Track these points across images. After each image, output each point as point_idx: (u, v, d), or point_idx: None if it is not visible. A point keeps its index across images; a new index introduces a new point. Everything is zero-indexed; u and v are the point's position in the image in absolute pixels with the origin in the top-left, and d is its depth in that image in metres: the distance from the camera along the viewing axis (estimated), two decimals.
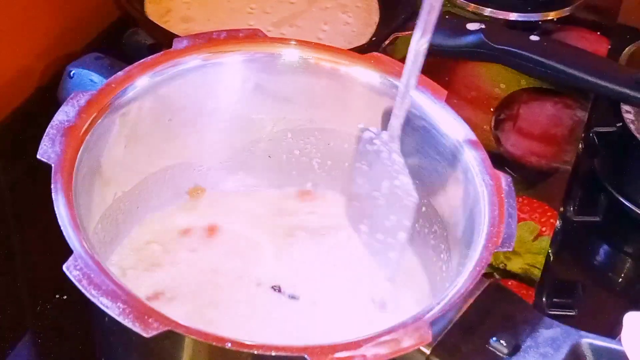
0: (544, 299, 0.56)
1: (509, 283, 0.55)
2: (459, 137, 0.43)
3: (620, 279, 0.61)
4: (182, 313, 0.41)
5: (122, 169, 0.43)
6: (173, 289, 0.43)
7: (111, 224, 0.44)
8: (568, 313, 0.56)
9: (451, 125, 0.43)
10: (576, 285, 0.58)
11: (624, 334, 0.32)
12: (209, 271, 0.44)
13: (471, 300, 0.37)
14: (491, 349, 0.35)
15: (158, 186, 0.46)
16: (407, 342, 0.33)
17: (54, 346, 0.47)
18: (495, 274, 0.56)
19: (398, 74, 0.44)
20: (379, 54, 0.45)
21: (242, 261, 0.45)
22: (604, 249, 0.62)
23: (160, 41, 0.60)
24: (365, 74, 0.45)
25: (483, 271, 0.36)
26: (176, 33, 0.61)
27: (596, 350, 0.35)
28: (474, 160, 0.41)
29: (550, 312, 0.56)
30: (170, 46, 0.44)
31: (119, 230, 0.45)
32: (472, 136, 0.42)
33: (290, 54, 0.44)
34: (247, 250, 0.46)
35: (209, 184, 0.48)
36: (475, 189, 0.40)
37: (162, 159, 0.46)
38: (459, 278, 0.36)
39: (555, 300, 0.56)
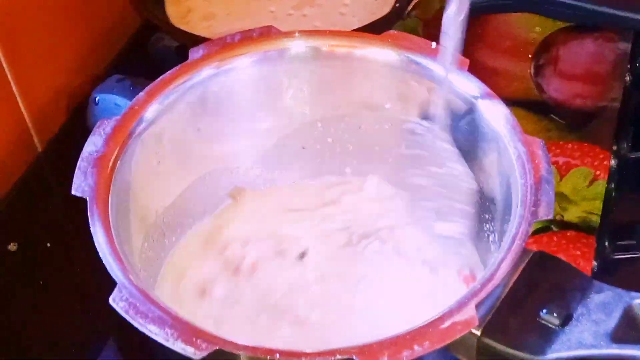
0: (606, 244, 0.55)
1: (568, 234, 0.55)
2: (487, 106, 0.42)
3: None
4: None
5: (158, 185, 0.44)
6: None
7: (158, 239, 0.45)
8: (634, 255, 0.54)
9: (478, 95, 0.42)
10: (639, 225, 0.57)
11: None
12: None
13: (517, 274, 0.36)
14: (542, 321, 0.35)
15: (197, 195, 0.47)
16: (455, 329, 0.33)
17: (135, 348, 0.49)
18: (552, 226, 0.55)
19: (416, 49, 0.44)
20: (395, 32, 0.45)
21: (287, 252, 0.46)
22: None
23: (185, 43, 0.60)
24: (383, 54, 0.44)
25: (524, 244, 0.36)
26: (199, 32, 0.61)
27: None
28: (504, 128, 0.41)
29: (615, 257, 0.54)
30: (196, 45, 0.44)
31: (166, 243, 0.46)
32: (501, 103, 0.41)
33: (301, 46, 0.44)
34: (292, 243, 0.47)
35: (247, 184, 0.49)
36: (509, 157, 0.39)
37: (197, 168, 0.46)
38: (501, 254, 0.35)
39: (619, 243, 0.55)
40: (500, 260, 0.35)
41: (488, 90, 0.42)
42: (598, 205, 0.55)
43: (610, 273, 0.54)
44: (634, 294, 0.35)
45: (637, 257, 0.54)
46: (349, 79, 0.46)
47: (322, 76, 0.45)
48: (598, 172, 0.57)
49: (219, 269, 0.44)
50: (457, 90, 0.43)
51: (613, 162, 0.58)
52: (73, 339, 0.49)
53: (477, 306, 0.34)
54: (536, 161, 0.38)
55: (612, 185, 0.57)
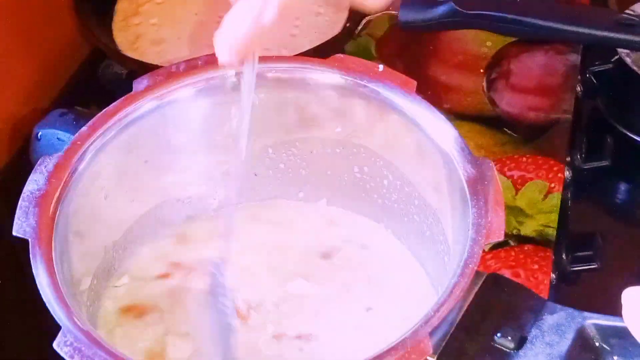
0: (564, 257, 0.55)
1: (525, 248, 0.55)
2: (436, 127, 0.41)
3: None
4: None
5: (106, 220, 0.43)
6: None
7: (109, 272, 0.44)
8: (591, 266, 0.55)
9: (426, 117, 0.42)
10: (595, 236, 0.57)
11: (625, 311, 0.32)
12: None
13: (471, 298, 0.36)
14: (497, 345, 0.34)
15: (149, 227, 0.46)
16: (408, 359, 0.32)
17: None
18: (509, 241, 0.55)
19: (363, 72, 0.43)
20: (341, 55, 0.44)
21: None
22: (618, 191, 0.61)
23: (135, 69, 0.60)
24: (330, 78, 0.44)
25: (476, 268, 0.35)
26: (149, 58, 0.61)
27: (602, 330, 0.34)
28: (453, 149, 0.40)
29: (572, 269, 0.55)
30: (146, 72, 0.44)
31: (117, 275, 0.45)
32: (449, 125, 0.41)
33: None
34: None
35: (199, 213, 0.48)
36: (460, 179, 0.39)
37: (147, 200, 0.46)
38: (453, 279, 0.35)
39: (576, 255, 0.55)
40: (453, 285, 0.35)
41: (436, 111, 0.42)
42: (554, 218, 0.55)
43: (569, 285, 0.54)
44: (586, 314, 0.35)
45: (594, 267, 0.55)
46: (297, 104, 0.45)
47: (270, 102, 0.45)
48: (553, 185, 0.57)
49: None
50: (405, 114, 0.42)
51: (567, 173, 0.58)
52: None
53: (431, 333, 0.33)
54: (486, 182, 0.38)
55: (567, 197, 0.57)
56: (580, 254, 0.55)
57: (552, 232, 0.55)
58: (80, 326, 0.34)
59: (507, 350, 0.34)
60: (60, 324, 0.34)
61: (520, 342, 0.34)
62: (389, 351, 0.33)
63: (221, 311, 0.41)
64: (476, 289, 0.36)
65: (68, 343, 0.33)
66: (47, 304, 0.35)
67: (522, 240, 0.55)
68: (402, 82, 0.43)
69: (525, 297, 0.36)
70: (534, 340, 0.34)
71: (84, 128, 0.41)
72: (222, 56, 0.38)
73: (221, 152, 0.46)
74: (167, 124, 0.44)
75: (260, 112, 0.46)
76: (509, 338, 0.34)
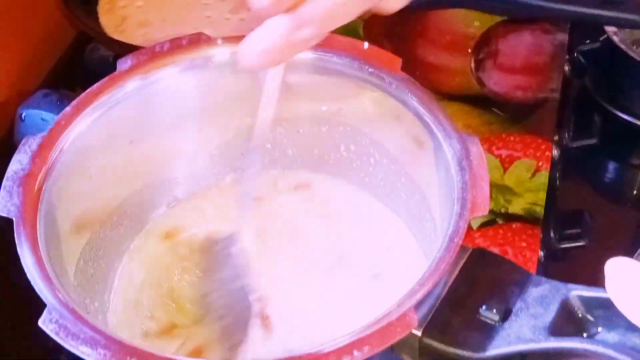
0: (551, 234, 0.55)
1: (513, 226, 0.55)
2: (422, 104, 0.41)
3: (632, 193, 0.60)
4: None
5: (93, 200, 0.43)
6: None
7: (97, 254, 0.44)
8: (579, 243, 0.55)
9: (412, 93, 0.42)
10: (582, 214, 0.57)
11: (608, 281, 0.32)
12: None
13: (456, 272, 0.36)
14: (482, 318, 0.35)
15: (137, 207, 0.46)
16: (394, 332, 0.33)
17: None
18: (497, 219, 0.55)
19: (347, 50, 0.43)
20: (327, 34, 0.44)
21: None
22: (606, 169, 0.61)
23: (121, 52, 0.59)
24: (313, 56, 0.44)
25: (461, 242, 0.35)
26: (135, 40, 0.61)
27: (586, 301, 0.34)
28: (439, 125, 0.40)
29: (560, 246, 0.55)
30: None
31: (110, 256, 0.45)
32: (434, 101, 0.41)
33: (228, 53, 0.43)
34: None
35: (186, 193, 0.48)
36: (445, 155, 0.39)
37: (134, 181, 0.45)
38: (439, 254, 0.35)
39: (564, 232, 0.56)
40: (438, 259, 0.35)
41: (421, 87, 0.42)
42: (542, 196, 0.56)
43: (557, 262, 0.54)
44: (570, 285, 0.35)
45: (582, 245, 0.55)
46: (283, 83, 0.45)
47: (254, 81, 0.45)
48: (541, 163, 0.58)
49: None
50: (389, 90, 0.42)
51: (555, 152, 0.58)
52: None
53: (417, 307, 0.34)
54: (471, 158, 0.38)
55: (555, 176, 0.57)
56: (568, 231, 0.55)
57: (540, 210, 0.55)
58: (66, 303, 0.34)
59: (492, 322, 0.34)
60: (45, 302, 0.34)
61: (505, 315, 0.35)
62: (374, 324, 0.33)
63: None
64: (462, 263, 0.36)
65: (53, 320, 0.33)
66: (31, 282, 0.35)
67: (510, 218, 0.55)
68: (387, 60, 0.42)
69: (510, 270, 0.36)
70: (519, 312, 0.34)
71: (67, 108, 0.41)
72: (244, 61, 0.34)
73: (206, 132, 0.46)
74: (153, 103, 0.44)
75: (243, 93, 0.46)
76: (494, 311, 0.34)
